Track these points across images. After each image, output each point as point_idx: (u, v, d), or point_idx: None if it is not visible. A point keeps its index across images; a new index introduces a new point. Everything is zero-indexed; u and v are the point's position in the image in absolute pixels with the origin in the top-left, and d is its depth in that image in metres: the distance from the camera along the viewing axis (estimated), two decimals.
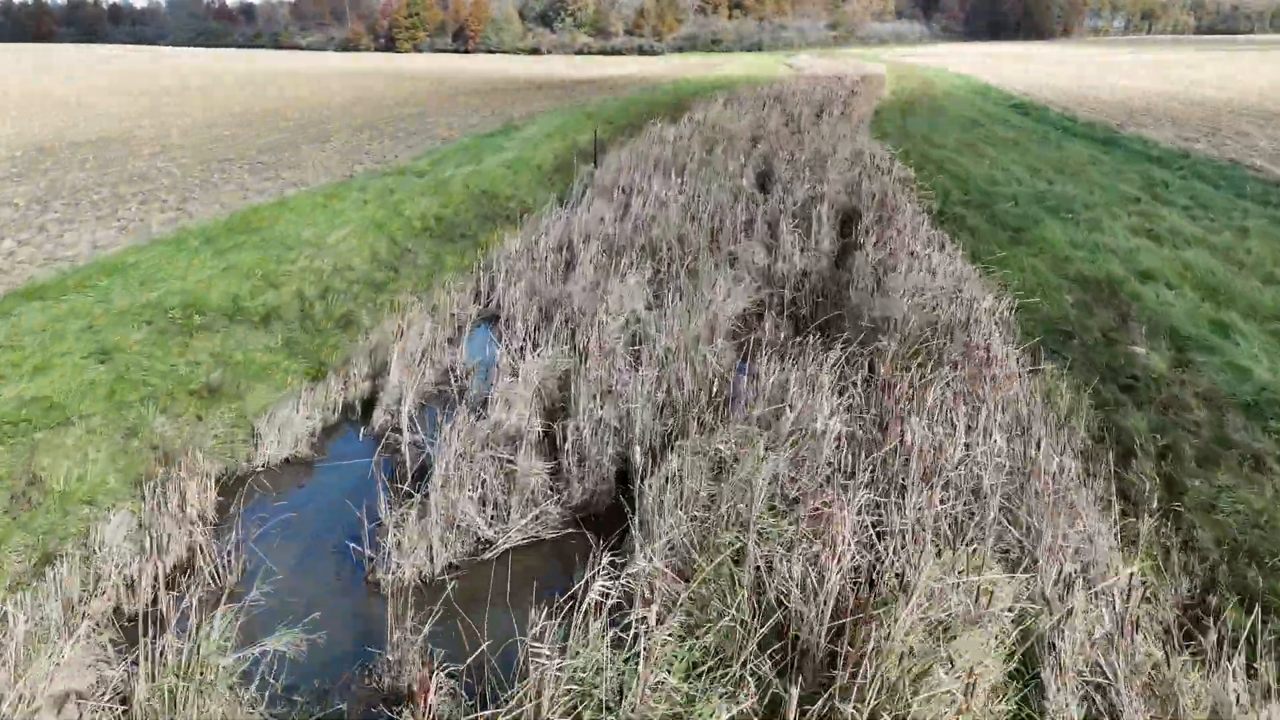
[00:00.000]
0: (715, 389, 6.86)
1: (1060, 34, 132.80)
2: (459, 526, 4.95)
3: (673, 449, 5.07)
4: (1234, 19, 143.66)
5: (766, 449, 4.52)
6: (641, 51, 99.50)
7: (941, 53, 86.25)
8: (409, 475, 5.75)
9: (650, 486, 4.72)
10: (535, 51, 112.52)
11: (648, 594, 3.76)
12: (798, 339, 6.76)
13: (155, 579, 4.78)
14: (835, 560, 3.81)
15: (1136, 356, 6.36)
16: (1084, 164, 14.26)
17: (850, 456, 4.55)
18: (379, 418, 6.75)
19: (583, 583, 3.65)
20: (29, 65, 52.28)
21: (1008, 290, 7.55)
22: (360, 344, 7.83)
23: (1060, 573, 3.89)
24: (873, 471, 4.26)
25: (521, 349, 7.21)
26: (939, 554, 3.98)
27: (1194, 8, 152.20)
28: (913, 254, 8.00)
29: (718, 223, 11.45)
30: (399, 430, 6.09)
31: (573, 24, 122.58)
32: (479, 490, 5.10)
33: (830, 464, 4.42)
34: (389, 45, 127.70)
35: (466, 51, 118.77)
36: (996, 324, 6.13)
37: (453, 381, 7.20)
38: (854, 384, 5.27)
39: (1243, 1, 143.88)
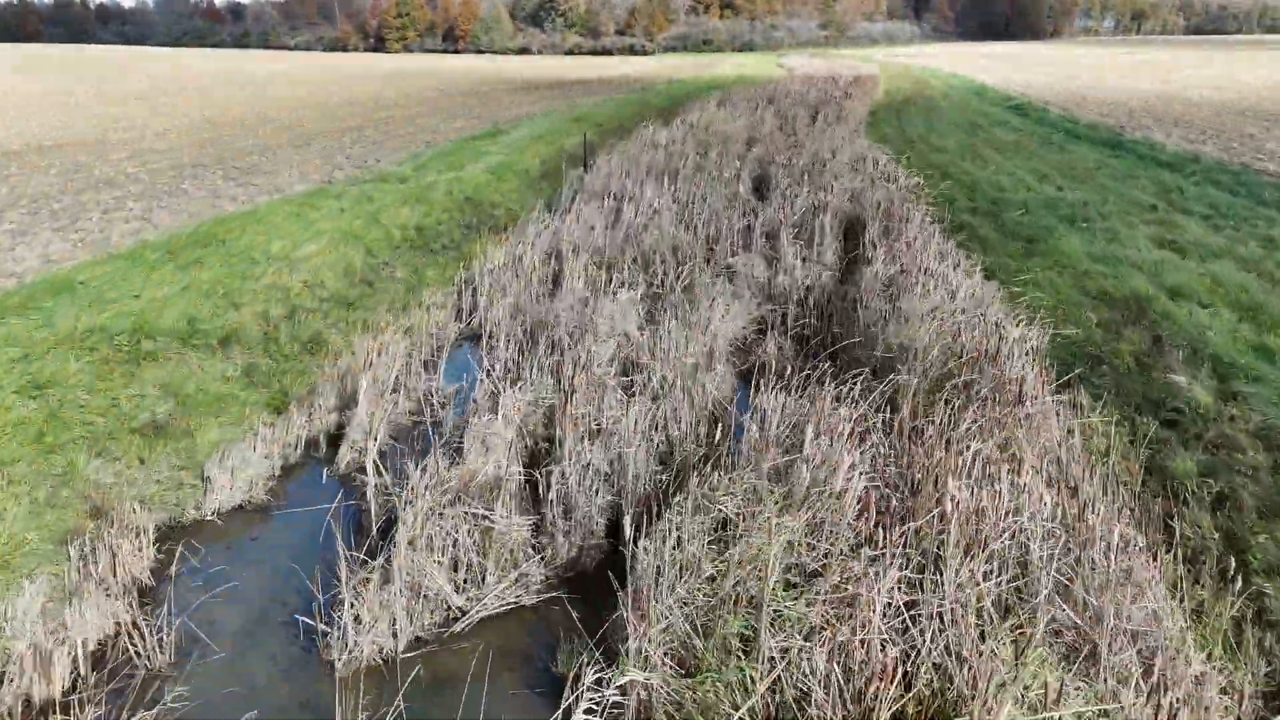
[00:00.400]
0: (716, 425, 6.27)
1: (1051, 34, 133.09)
2: (426, 595, 4.33)
3: (669, 504, 4.46)
4: (1222, 19, 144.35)
5: (779, 511, 3.93)
6: (633, 51, 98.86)
7: (933, 53, 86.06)
8: (374, 525, 5.13)
9: (645, 550, 4.12)
10: (525, 51, 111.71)
11: (643, 696, 3.16)
12: (805, 368, 6.18)
13: (75, 660, 4.15)
14: (864, 650, 3.22)
15: (1177, 387, 5.81)
16: (1091, 169, 13.75)
17: (876, 515, 3.95)
18: (345, 455, 6.12)
19: (564, 707, 3.03)
20: (7, 66, 51.18)
21: (1027, 308, 6.98)
22: (328, 370, 7.19)
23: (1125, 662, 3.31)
24: (904, 538, 3.67)
25: (504, 375, 6.62)
26: (982, 637, 3.39)
27: (1183, 8, 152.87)
28: (926, 270, 7.43)
29: (714, 231, 10.87)
30: (366, 471, 5.46)
31: (563, 24, 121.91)
32: (450, 551, 4.48)
33: (853, 528, 3.84)
34: (378, 45, 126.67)
35: (456, 51, 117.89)
36: (1026, 353, 5.55)
37: (428, 414, 6.58)
38: (875, 426, 4.68)
39: (1231, 2, 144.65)
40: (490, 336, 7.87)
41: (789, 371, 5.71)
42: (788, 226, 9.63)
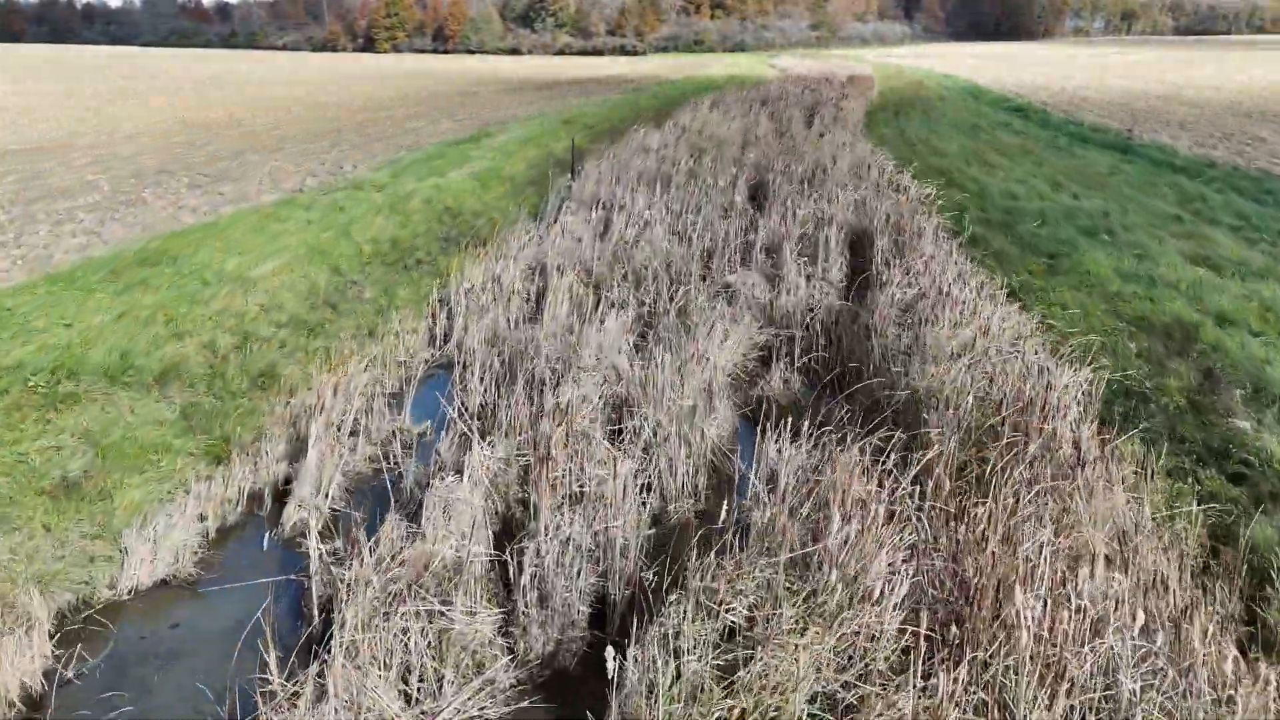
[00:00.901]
0: (716, 474, 5.52)
1: (1042, 34, 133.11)
2: (370, 713, 3.55)
3: (664, 595, 3.71)
4: (1211, 19, 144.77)
5: (801, 617, 3.17)
6: (624, 52, 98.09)
7: (925, 53, 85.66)
8: (315, 610, 4.35)
9: (634, 661, 3.36)
10: (515, 52, 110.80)
11: None
12: (817, 410, 5.43)
13: None
14: None
15: (1241, 433, 5.09)
16: (1105, 175, 13.09)
17: (925, 633, 3.18)
18: (291, 516, 5.33)
19: None
20: None
21: (1063, 337, 6.26)
22: (280, 410, 6.39)
23: None
24: (961, 665, 2.92)
25: (477, 416, 5.85)
26: None
27: (1172, 8, 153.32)
28: (944, 293, 6.70)
29: (709, 244, 10.13)
30: (311, 536, 4.67)
31: (554, 24, 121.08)
32: (400, 655, 3.70)
33: (895, 644, 3.08)
34: (368, 46, 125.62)
35: (446, 52, 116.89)
36: (1075, 401, 4.80)
37: (389, 462, 5.80)
38: (908, 497, 3.92)
39: (1220, 2, 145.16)
40: (464, 367, 7.09)
41: (798, 413, 4.96)
42: (791, 241, 8.89)
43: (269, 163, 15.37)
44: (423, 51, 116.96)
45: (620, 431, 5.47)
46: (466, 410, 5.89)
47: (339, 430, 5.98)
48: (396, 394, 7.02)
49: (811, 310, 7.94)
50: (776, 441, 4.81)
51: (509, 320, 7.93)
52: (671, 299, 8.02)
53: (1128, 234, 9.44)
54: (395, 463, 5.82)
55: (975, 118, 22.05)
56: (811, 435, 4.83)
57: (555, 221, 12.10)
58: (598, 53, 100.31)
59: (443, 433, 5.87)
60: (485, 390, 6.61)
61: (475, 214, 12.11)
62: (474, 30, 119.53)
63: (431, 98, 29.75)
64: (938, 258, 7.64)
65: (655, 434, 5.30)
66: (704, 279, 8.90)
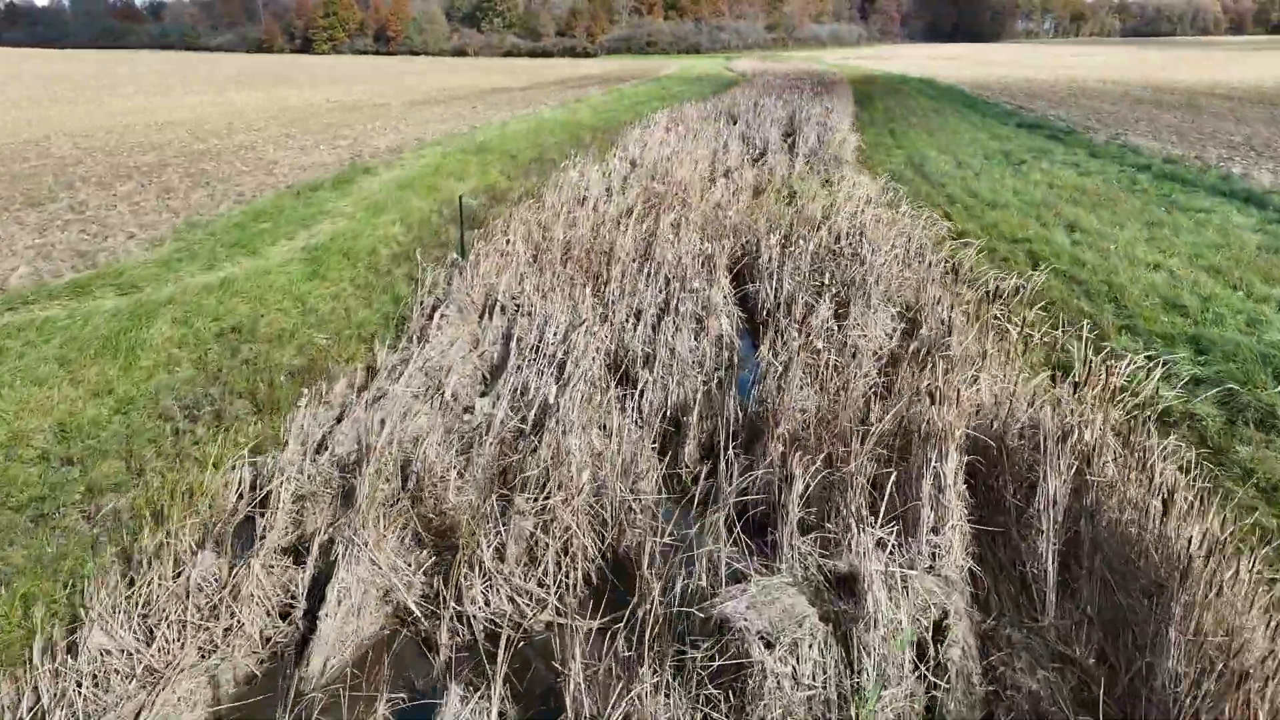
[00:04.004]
0: None
1: (992, 36, 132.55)
2: None
3: None
4: (1157, 21, 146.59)
5: None
6: (573, 54, 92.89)
7: (885, 54, 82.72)
8: None
9: None
10: (461, 53, 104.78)
11: None
12: None
13: None
14: None
15: None
16: (1251, 245, 8.73)
17: None
18: None
19: None
20: None
21: None
22: None
23: None
24: None
25: None
26: None
27: (1118, 10, 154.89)
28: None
29: (676, 412, 5.45)
30: None
31: (501, 24, 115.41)
32: None
33: None
34: (305, 46, 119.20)
35: (389, 53, 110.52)
36: None
37: None
38: None
39: (1164, 4, 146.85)
40: None
41: None
42: (854, 491, 4.12)
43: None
44: (364, 53, 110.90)
45: None
46: None
47: None
48: None
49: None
50: None
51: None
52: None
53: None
54: None
55: (995, 137, 17.81)
56: None
57: (418, 339, 7.29)
58: (546, 54, 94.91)
59: None
60: None
61: (280, 340, 7.12)
62: (417, 30, 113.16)
63: (323, 113, 24.35)
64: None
65: None
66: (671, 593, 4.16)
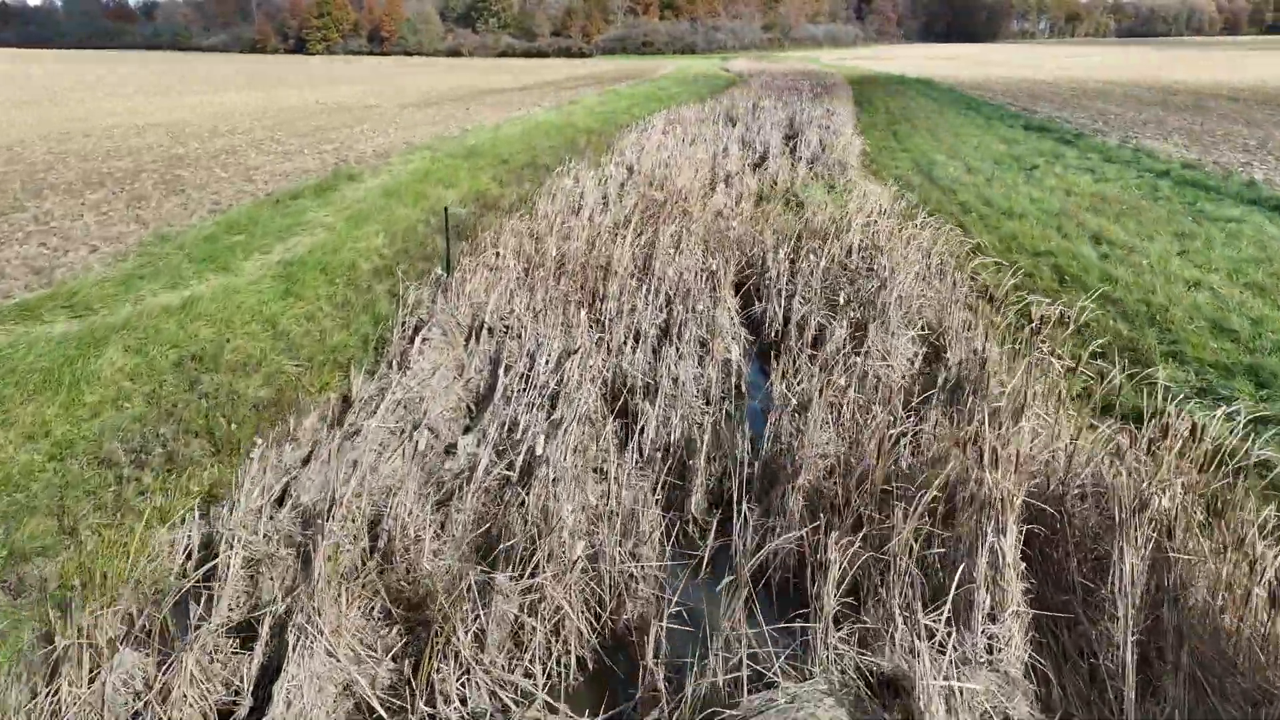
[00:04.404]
0: None
1: (988, 37, 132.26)
2: None
3: None
4: (1152, 21, 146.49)
5: None
6: (569, 54, 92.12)
7: (882, 55, 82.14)
8: None
9: None
10: (455, 53, 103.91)
11: None
12: None
13: None
14: None
15: None
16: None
17: None
18: None
19: None
20: None
21: None
22: None
23: None
24: None
25: None
26: None
27: (1113, 10, 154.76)
28: None
29: (681, 467, 4.90)
30: None
31: (496, 24, 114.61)
32: None
33: None
34: (299, 46, 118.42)
35: (383, 53, 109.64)
36: None
37: None
38: None
39: (1159, 5, 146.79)
40: None
41: None
42: (896, 574, 3.52)
43: None
44: (358, 53, 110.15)
45: None
46: None
47: None
48: None
49: None
50: None
51: None
52: None
53: None
54: None
55: (1004, 140, 17.27)
56: None
57: (398, 365, 6.71)
58: (542, 54, 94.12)
59: None
60: None
61: (246, 367, 6.50)
62: (411, 31, 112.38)
63: (302, 117, 23.68)
64: None
65: None
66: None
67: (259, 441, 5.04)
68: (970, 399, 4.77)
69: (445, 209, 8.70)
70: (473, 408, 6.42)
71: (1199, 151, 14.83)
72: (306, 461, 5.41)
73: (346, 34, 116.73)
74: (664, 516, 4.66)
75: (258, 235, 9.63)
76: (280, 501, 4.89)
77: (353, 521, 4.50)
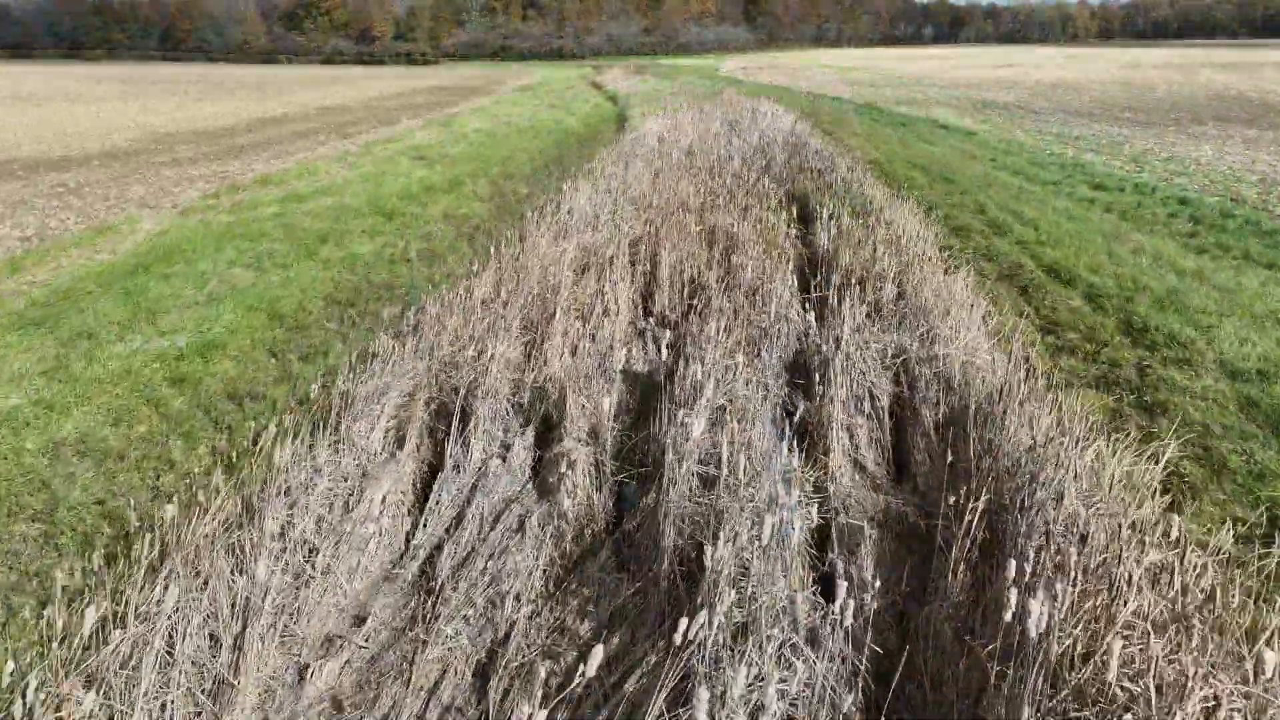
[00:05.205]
0: None
1: (881, 42, 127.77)
2: None
3: None
4: (1030, 25, 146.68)
5: None
6: (411, 60, 75.54)
7: (780, 64, 70.88)
8: None
9: None
10: (271, 60, 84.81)
11: None
12: None
13: None
14: None
15: None
16: None
17: None
18: None
19: None
20: None
21: None
22: None
23: None
24: None
25: None
26: None
27: (990, 16, 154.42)
28: None
29: None
30: None
31: (328, 24, 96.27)
32: None
33: None
34: (73, 50, 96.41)
35: (176, 58, 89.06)
36: None
37: None
38: None
39: (1036, 10, 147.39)
40: None
41: None
42: None
43: None
44: (148, 57, 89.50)
45: None
46: None
47: None
48: None
49: None
50: None
51: None
52: None
53: None
54: None
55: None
56: None
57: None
58: (379, 61, 77.14)
59: None
60: None
61: None
62: (215, 31, 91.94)
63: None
64: None
65: None
66: None
67: None
68: None
69: None
70: None
71: None
72: None
73: (133, 34, 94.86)
74: None
75: None
76: None
77: None
